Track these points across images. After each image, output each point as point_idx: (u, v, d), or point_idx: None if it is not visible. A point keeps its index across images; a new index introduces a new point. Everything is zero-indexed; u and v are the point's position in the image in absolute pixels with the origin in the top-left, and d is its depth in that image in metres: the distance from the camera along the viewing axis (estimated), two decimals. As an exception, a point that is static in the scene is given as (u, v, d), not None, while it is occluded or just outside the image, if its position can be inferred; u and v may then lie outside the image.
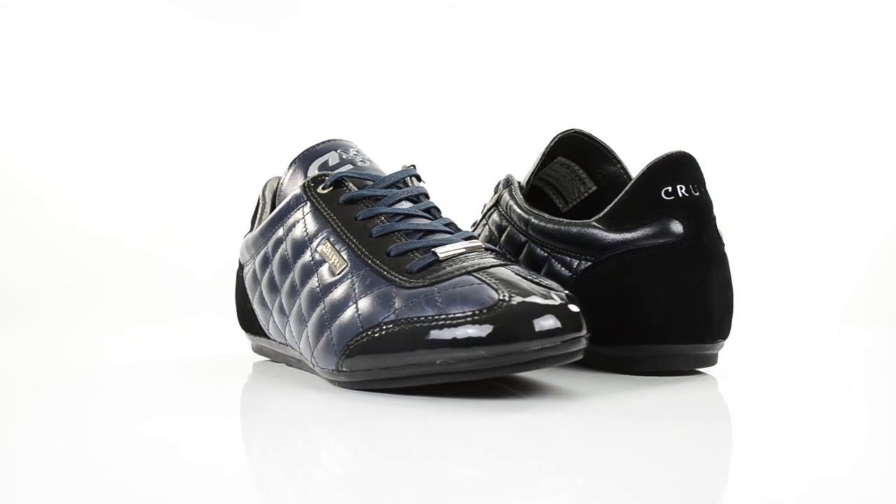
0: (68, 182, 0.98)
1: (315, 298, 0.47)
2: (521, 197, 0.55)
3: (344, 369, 0.44)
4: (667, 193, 0.47)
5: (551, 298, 0.41)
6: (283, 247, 0.50)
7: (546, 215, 0.53)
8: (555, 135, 0.57)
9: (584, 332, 0.41)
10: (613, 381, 0.48)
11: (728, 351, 0.52)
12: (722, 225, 0.50)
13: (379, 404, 0.42)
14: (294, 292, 0.49)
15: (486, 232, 0.58)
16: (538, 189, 0.61)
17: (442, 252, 0.44)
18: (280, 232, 0.51)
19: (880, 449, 0.37)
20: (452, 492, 0.29)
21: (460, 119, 1.03)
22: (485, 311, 0.40)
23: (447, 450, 0.35)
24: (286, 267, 0.50)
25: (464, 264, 0.43)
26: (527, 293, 0.41)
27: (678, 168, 0.48)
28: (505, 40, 1.07)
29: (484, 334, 0.39)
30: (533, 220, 0.53)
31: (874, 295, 0.96)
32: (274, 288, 0.51)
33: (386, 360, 0.42)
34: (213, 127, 1.03)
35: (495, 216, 0.57)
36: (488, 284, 0.41)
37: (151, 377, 0.53)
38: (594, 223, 0.49)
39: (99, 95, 1.01)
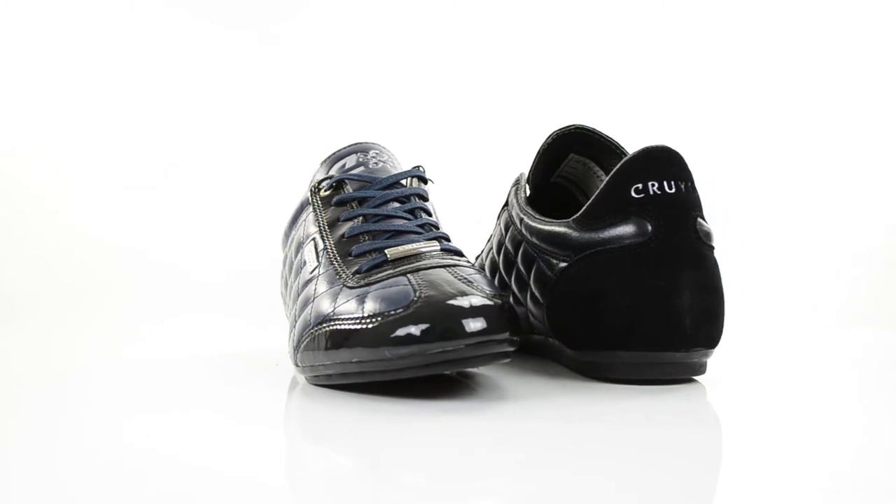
0: (77, 186, 0.98)
1: (295, 295, 0.50)
2: (522, 195, 0.55)
3: (297, 364, 0.46)
4: (637, 191, 0.45)
5: (469, 301, 0.39)
6: (291, 246, 0.54)
7: (537, 214, 0.52)
8: (552, 131, 0.55)
9: (505, 335, 0.40)
10: (590, 386, 0.46)
11: (722, 358, 0.48)
12: (712, 225, 0.46)
13: (359, 402, 0.42)
14: (290, 290, 0.52)
15: (497, 232, 0.58)
16: (564, 189, 0.59)
17: (392, 253, 0.44)
18: (292, 232, 0.55)
19: (876, 457, 0.34)
20: (399, 495, 0.30)
21: (484, 120, 1.00)
22: (395, 311, 0.40)
23: (401, 451, 0.35)
24: (290, 266, 0.54)
25: (407, 266, 0.43)
26: (447, 296, 0.40)
27: (652, 164, 0.45)
28: (509, 39, 1.03)
29: (390, 335, 0.39)
30: (526, 219, 0.52)
31: (871, 298, 0.90)
32: (285, 285, 0.55)
33: (321, 358, 0.43)
34: (234, 126, 1.01)
35: (504, 215, 0.57)
36: (412, 286, 0.41)
37: (190, 375, 0.54)
38: (571, 223, 0.48)
39: (106, 95, 1.00)
